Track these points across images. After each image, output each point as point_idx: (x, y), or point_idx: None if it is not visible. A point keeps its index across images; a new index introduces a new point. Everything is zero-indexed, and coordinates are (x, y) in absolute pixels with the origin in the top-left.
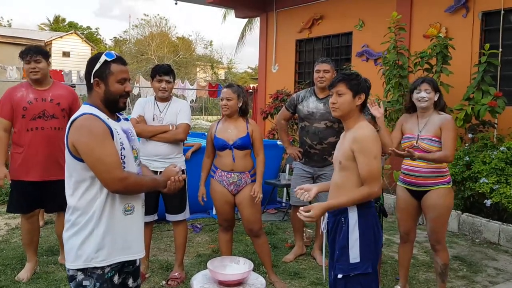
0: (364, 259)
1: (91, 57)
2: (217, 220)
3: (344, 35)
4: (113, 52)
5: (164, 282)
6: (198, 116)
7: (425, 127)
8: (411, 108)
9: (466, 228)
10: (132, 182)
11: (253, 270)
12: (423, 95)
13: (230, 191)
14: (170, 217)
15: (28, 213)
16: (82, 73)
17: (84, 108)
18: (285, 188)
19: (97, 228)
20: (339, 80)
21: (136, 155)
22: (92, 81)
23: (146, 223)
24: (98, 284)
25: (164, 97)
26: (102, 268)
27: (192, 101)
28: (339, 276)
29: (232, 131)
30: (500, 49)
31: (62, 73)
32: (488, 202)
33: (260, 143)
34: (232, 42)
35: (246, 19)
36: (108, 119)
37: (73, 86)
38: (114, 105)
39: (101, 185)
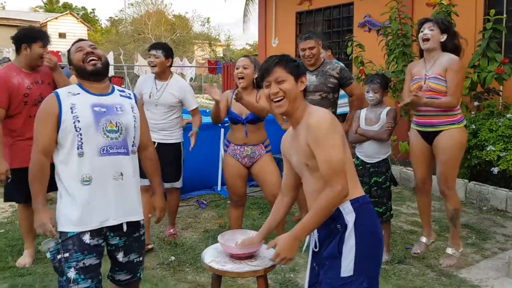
0: (359, 272)
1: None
2: (223, 196)
3: (345, 6)
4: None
5: (173, 258)
6: (197, 95)
7: (432, 67)
8: (422, 53)
9: (473, 196)
10: (31, 170)
11: (264, 243)
12: (426, 32)
13: (243, 164)
14: (165, 185)
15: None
16: None
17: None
18: None
19: (60, 197)
20: (273, 64)
21: (114, 128)
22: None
23: (145, 187)
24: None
25: (155, 72)
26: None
27: (191, 79)
28: None
29: None
30: (505, 15)
31: (60, 54)
32: (495, 170)
33: None
34: (230, 19)
35: None
36: (75, 94)
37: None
38: (84, 71)
39: (65, 156)
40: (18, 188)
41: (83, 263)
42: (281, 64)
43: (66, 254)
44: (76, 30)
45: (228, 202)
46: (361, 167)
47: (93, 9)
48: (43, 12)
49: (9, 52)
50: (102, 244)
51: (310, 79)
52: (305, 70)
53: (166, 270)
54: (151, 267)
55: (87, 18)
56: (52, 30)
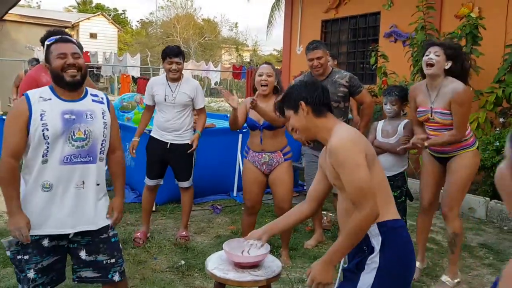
0: None
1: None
2: (239, 202)
3: (371, 15)
4: (57, 36)
5: (182, 262)
6: (222, 99)
7: (437, 99)
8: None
9: (494, 215)
10: (0, 174)
11: (270, 253)
12: (431, 57)
13: (262, 171)
14: (178, 184)
15: None
16: (108, 54)
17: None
18: None
19: (21, 198)
20: (281, 106)
21: (82, 136)
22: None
23: (150, 187)
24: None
25: (175, 78)
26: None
27: (216, 83)
28: None
29: None
30: None
31: (88, 54)
32: None
33: None
34: (258, 24)
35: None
36: (46, 100)
37: (99, 67)
38: (61, 80)
39: (29, 161)
40: None
41: (42, 264)
42: (284, 104)
43: (26, 257)
44: (107, 30)
45: (242, 208)
46: None
47: (123, 11)
48: (76, 12)
49: (40, 50)
50: (65, 245)
51: None
52: (299, 95)
53: (175, 274)
54: (160, 270)
55: (118, 19)
56: (84, 30)
